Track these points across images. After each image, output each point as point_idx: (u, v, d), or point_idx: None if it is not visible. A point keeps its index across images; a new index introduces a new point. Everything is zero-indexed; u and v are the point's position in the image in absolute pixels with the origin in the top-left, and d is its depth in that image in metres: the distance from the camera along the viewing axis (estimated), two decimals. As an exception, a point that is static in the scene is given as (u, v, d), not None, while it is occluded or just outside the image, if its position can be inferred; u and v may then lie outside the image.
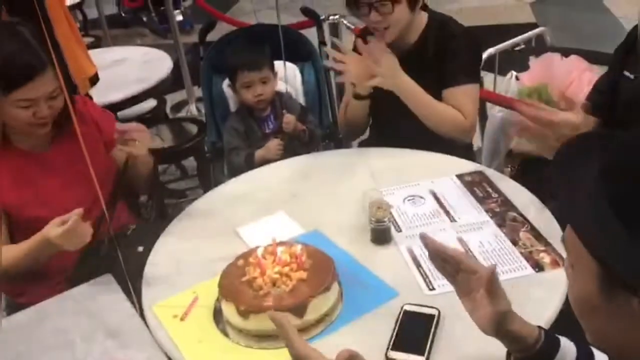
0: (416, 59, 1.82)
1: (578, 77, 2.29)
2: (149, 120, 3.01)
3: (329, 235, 1.48)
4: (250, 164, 2.01)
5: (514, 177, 2.51)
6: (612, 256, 0.61)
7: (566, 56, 2.40)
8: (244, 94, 2.05)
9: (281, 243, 1.33)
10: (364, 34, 1.87)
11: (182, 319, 1.25)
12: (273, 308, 1.15)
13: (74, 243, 1.34)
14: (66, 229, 1.27)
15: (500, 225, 1.45)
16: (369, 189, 1.47)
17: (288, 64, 2.19)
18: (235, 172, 2.05)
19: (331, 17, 2.63)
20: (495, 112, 2.48)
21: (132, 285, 1.36)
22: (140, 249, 1.52)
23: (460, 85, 1.79)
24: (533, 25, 5.19)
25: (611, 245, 0.62)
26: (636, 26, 1.51)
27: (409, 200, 1.60)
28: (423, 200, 1.59)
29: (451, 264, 0.98)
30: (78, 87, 2.26)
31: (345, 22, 2.65)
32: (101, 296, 1.37)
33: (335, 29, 2.65)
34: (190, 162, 3.21)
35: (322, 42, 2.42)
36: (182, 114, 4.19)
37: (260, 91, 2.04)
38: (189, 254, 1.47)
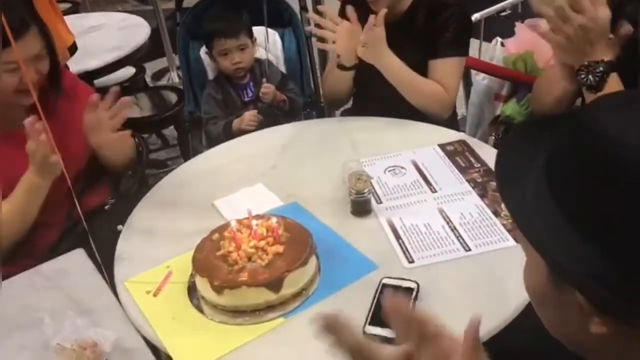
0: (406, 27, 1.76)
1: (564, 43, 2.24)
2: (128, 88, 2.93)
3: (309, 207, 1.44)
4: (229, 134, 1.96)
5: (498, 145, 2.49)
6: (555, 251, 0.56)
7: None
8: (222, 61, 1.99)
9: (257, 216, 1.29)
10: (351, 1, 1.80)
11: (155, 295, 1.21)
12: (248, 283, 1.13)
13: (49, 170, 1.38)
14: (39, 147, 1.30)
15: (482, 195, 1.42)
16: (349, 160, 1.43)
17: (268, 30, 2.12)
18: (213, 142, 2.01)
19: (318, -18, 2.55)
20: (480, 79, 2.43)
21: (107, 261, 1.33)
22: (120, 227, 1.47)
23: (447, 57, 1.75)
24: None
25: (553, 240, 0.57)
26: None
27: (389, 170, 1.56)
28: (404, 170, 1.55)
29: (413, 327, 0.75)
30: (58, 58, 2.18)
31: (327, -14, 2.57)
32: (72, 272, 1.33)
33: (317, -7, 2.57)
34: (171, 132, 3.14)
35: (304, 8, 2.34)
36: (163, 82, 4.11)
37: (238, 59, 1.97)
38: (163, 227, 1.43)
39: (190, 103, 2.18)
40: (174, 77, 4.12)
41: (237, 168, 1.65)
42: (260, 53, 2.12)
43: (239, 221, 1.27)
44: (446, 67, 1.75)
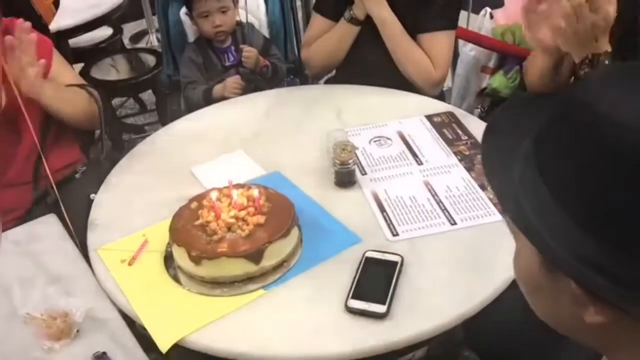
0: None
1: (554, 15, 2.20)
2: (104, 50, 2.83)
3: (291, 177, 1.40)
4: (208, 100, 1.89)
5: (483, 117, 2.46)
6: (547, 237, 0.52)
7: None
8: (202, 24, 1.91)
9: (238, 185, 1.24)
10: None
11: (130, 264, 1.17)
12: (227, 254, 1.09)
13: None
14: None
15: (469, 168, 1.39)
16: (334, 129, 1.39)
17: (252, -9, 2.05)
18: (192, 107, 1.94)
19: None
20: (467, 50, 2.39)
21: (80, 230, 1.27)
22: (93, 195, 1.41)
23: (437, 30, 1.70)
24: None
25: (545, 226, 0.52)
26: None
27: (375, 141, 1.52)
28: (390, 141, 1.51)
29: None
30: (43, 17, 2.08)
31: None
32: (43, 237, 1.27)
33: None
34: (149, 96, 3.05)
35: (289, -31, 2.25)
36: (142, 44, 3.98)
37: (219, 21, 1.90)
38: (139, 194, 1.38)
39: (169, 66, 2.11)
40: (153, 40, 4.00)
41: (217, 134, 1.59)
42: (242, 16, 2.05)
43: (219, 190, 1.22)
44: (437, 42, 1.71)
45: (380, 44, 1.73)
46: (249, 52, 1.90)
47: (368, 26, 1.72)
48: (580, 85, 0.60)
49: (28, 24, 1.34)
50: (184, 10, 2.04)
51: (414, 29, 1.71)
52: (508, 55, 2.33)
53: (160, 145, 1.58)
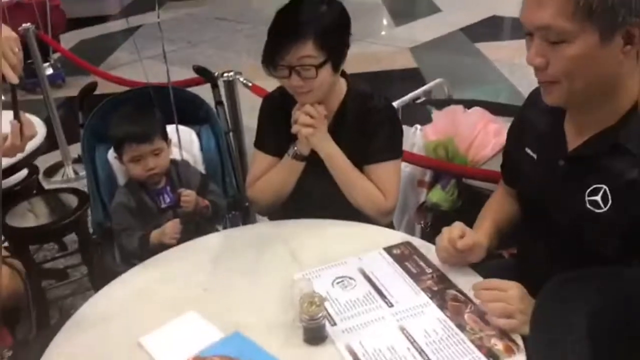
0: (336, 129, 1.68)
1: (483, 128, 2.29)
2: (20, 193, 2.62)
3: (254, 337, 1.26)
4: (146, 248, 1.75)
5: (426, 233, 2.44)
6: None
7: (468, 108, 2.39)
8: (133, 168, 1.80)
9: (200, 359, 1.10)
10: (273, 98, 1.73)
11: None
12: None
13: None
14: None
15: (442, 307, 1.31)
16: (297, 279, 1.28)
17: (183, 128, 1.98)
18: (128, 256, 1.79)
19: (225, 75, 2.44)
20: (403, 167, 2.40)
21: None
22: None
23: (383, 161, 1.68)
24: (415, 70, 5.38)
25: None
26: (523, 105, 1.48)
27: (338, 283, 1.42)
28: (354, 282, 1.42)
29: None
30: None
31: (241, 79, 2.47)
32: None
33: (231, 87, 2.46)
34: (71, 235, 2.83)
35: (220, 102, 2.22)
36: (57, 178, 3.78)
37: (153, 164, 1.80)
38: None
39: (98, 213, 1.94)
40: (69, 173, 3.82)
41: (163, 293, 1.44)
42: (176, 154, 1.96)
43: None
44: (384, 173, 1.68)
45: (326, 176, 1.68)
46: (188, 197, 1.79)
47: (313, 160, 1.68)
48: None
49: None
50: (111, 152, 1.93)
51: (360, 161, 1.68)
52: (443, 171, 2.36)
53: (99, 312, 1.40)
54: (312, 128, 1.60)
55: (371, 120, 1.68)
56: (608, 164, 1.18)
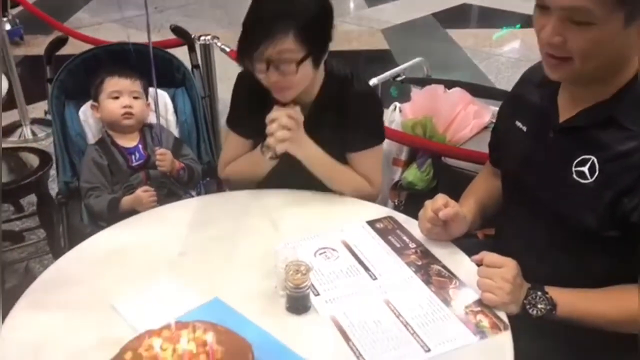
0: (317, 119, 1.56)
1: (464, 109, 2.27)
2: (-25, 150, 2.47)
3: (233, 304, 1.21)
4: (115, 212, 1.67)
5: (400, 211, 2.43)
6: None
7: (449, 88, 2.38)
8: (110, 105, 1.75)
9: (181, 324, 1.04)
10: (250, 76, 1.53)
11: None
12: None
13: None
14: None
15: (427, 281, 1.29)
16: (282, 246, 1.24)
17: (158, 91, 1.89)
18: (95, 218, 1.71)
19: (202, 38, 2.34)
20: (380, 144, 2.38)
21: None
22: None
23: (366, 148, 1.60)
24: (386, 52, 5.35)
25: None
26: (515, 85, 1.46)
27: (320, 254, 1.39)
28: (336, 253, 1.39)
29: None
30: None
31: (218, 44, 2.38)
32: None
33: (207, 51, 2.37)
34: (28, 197, 2.70)
35: (196, 66, 2.13)
36: (14, 138, 3.62)
37: (129, 102, 1.74)
38: (49, 342, 1.12)
39: (66, 172, 1.84)
40: (27, 133, 3.65)
41: (137, 256, 1.37)
42: (151, 118, 1.88)
43: (158, 333, 1.01)
44: (368, 159, 1.61)
45: (303, 169, 1.58)
46: (163, 155, 1.72)
47: (288, 155, 1.53)
48: None
49: None
50: (83, 109, 1.83)
51: (342, 147, 1.61)
52: (419, 149, 2.35)
53: (69, 274, 1.32)
54: (288, 133, 1.46)
55: (352, 106, 1.57)
56: (599, 135, 1.18)
